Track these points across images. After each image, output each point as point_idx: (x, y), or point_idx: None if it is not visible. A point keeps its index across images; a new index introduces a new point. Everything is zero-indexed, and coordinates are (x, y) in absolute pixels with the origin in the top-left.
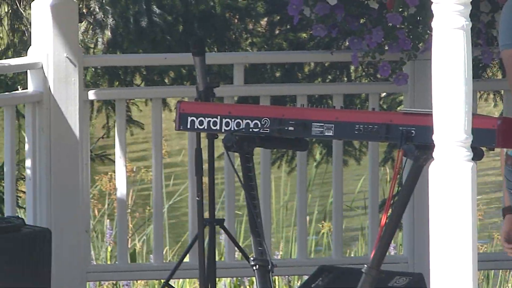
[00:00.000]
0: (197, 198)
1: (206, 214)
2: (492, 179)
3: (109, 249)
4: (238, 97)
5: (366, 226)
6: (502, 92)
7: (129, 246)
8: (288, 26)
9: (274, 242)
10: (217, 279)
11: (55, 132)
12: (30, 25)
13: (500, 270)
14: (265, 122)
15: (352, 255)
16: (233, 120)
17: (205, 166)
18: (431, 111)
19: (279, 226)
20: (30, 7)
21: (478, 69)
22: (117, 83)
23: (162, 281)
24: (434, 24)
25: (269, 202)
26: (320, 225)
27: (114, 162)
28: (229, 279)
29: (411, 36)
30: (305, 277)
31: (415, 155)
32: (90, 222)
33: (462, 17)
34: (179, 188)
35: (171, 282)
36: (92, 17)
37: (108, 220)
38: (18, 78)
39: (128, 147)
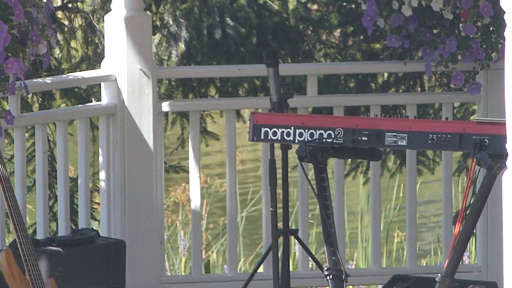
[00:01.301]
0: (271, 209)
1: (280, 225)
2: None
3: (183, 260)
4: (311, 107)
5: (439, 236)
6: None
7: (203, 257)
8: (362, 37)
9: (348, 252)
10: None
11: (129, 144)
12: (104, 37)
13: None
14: (339, 132)
15: (424, 263)
16: (306, 130)
17: (279, 176)
18: (505, 120)
19: (357, 236)
20: (103, 19)
21: None
22: (191, 95)
23: None
24: (506, 33)
25: (343, 212)
26: (395, 235)
27: (188, 173)
28: None
29: (484, 46)
30: (379, 287)
31: (489, 164)
32: (164, 233)
33: None
34: (253, 198)
35: None
36: (166, 29)
37: (182, 231)
38: (92, 91)
39: (202, 158)
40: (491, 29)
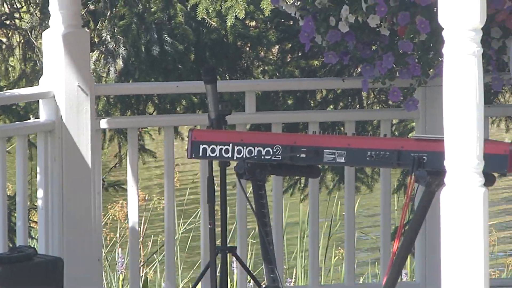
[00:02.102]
0: (209, 226)
1: (219, 242)
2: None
3: (121, 277)
4: (250, 124)
5: (378, 252)
6: None
7: (142, 274)
8: (300, 54)
9: (287, 268)
10: None
11: (67, 161)
12: (42, 54)
13: None
14: (277, 149)
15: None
16: (245, 147)
17: (218, 193)
18: (443, 137)
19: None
20: (42, 36)
21: (490, 94)
22: (129, 112)
23: None
24: (445, 50)
25: (281, 229)
26: (337, 251)
27: (126, 190)
28: None
29: (421, 62)
30: None
31: (427, 181)
32: (102, 250)
33: (474, 43)
34: (191, 215)
35: None
36: (104, 46)
37: (120, 249)
38: (30, 108)
39: (141, 175)
40: (428, 45)
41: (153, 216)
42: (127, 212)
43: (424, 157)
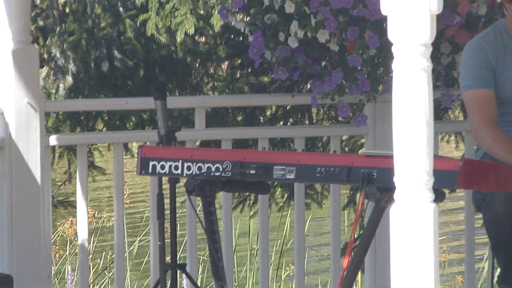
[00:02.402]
0: (159, 243)
1: (168, 259)
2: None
3: None
4: (199, 141)
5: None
6: (464, 133)
7: None
8: (249, 70)
9: (237, 285)
10: None
11: (16, 178)
12: None
13: None
14: (227, 165)
15: None
16: (194, 164)
17: (168, 210)
18: (392, 153)
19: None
20: None
21: (440, 110)
22: (79, 128)
23: None
24: (394, 65)
25: (231, 246)
26: (288, 268)
27: (76, 207)
28: None
29: (370, 78)
30: None
31: (377, 197)
32: (52, 267)
33: (424, 58)
34: (143, 231)
35: None
36: (53, 62)
37: (69, 266)
38: None
39: (90, 192)
40: (378, 61)
41: (103, 233)
42: (76, 229)
43: (374, 173)
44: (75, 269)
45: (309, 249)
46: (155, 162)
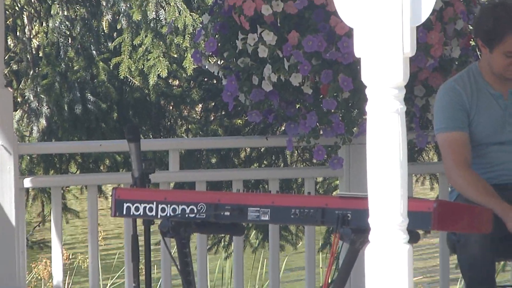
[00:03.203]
0: (133, 285)
1: None
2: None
3: None
4: (174, 182)
5: None
6: (438, 175)
7: None
8: (223, 112)
9: None
10: None
11: None
12: None
13: None
14: (201, 207)
15: None
16: (169, 205)
17: (143, 252)
18: (367, 195)
19: None
20: None
21: (414, 152)
22: (52, 171)
23: None
24: (368, 108)
25: (206, 287)
26: None
27: (50, 248)
28: None
29: (345, 121)
30: None
31: (351, 239)
32: None
33: (397, 101)
34: (117, 274)
35: None
36: (27, 105)
37: None
38: None
39: (65, 233)
40: (352, 103)
41: (78, 273)
42: (51, 270)
43: (349, 215)
44: None
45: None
46: (130, 204)
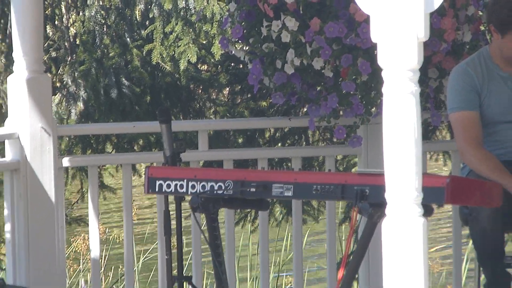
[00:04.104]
0: (166, 257)
1: (175, 272)
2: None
3: None
4: (203, 161)
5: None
6: (451, 152)
7: None
8: (249, 95)
9: None
10: None
11: (32, 198)
12: (7, 98)
13: None
14: (229, 184)
15: None
16: (198, 183)
17: (174, 226)
18: (383, 171)
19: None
20: (6, 81)
21: (428, 131)
22: (90, 150)
23: None
24: (384, 89)
25: (234, 259)
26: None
27: (88, 224)
28: None
29: (363, 102)
30: None
31: (369, 213)
32: (66, 281)
33: (412, 83)
34: (150, 247)
35: None
36: (66, 90)
37: (83, 279)
38: None
39: (101, 209)
40: (370, 85)
41: (114, 248)
42: (89, 244)
43: (367, 190)
44: (87, 281)
45: (307, 261)
46: (162, 182)
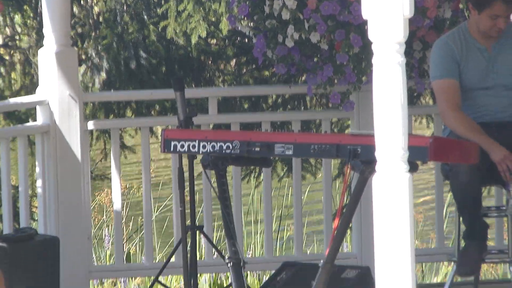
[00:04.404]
0: (180, 209)
1: (188, 222)
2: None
3: (108, 252)
4: (212, 124)
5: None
6: (433, 115)
7: (125, 249)
8: (254, 66)
9: (245, 243)
10: (198, 275)
11: (60, 157)
12: (38, 69)
13: (435, 263)
14: (236, 144)
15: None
16: (209, 143)
17: (187, 181)
18: (374, 133)
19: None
20: (38, 54)
21: (413, 97)
22: (112, 115)
23: (153, 277)
24: (374, 60)
25: (241, 210)
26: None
27: (110, 180)
28: (208, 274)
29: (355, 71)
30: (272, 272)
31: (361, 169)
32: (92, 230)
33: (398, 54)
34: (166, 200)
35: (160, 278)
36: (90, 61)
37: (106, 228)
38: (30, 113)
39: (122, 168)
40: (361, 57)
41: (133, 201)
42: (111, 198)
43: (358, 149)
44: (111, 231)
45: (306, 214)
46: (176, 142)
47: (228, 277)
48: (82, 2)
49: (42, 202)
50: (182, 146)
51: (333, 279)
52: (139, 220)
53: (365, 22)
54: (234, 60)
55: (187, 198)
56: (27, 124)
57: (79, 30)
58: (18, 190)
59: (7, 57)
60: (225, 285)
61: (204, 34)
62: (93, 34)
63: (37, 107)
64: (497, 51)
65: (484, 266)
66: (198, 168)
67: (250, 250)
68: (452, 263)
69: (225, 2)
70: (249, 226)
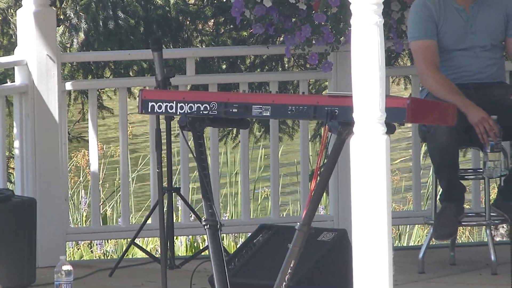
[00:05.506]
0: (157, 170)
1: (165, 183)
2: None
3: (84, 214)
4: (190, 85)
5: (298, 191)
6: (411, 77)
7: (101, 211)
8: (232, 26)
9: (223, 205)
10: (174, 237)
11: (38, 117)
12: (17, 29)
13: (410, 226)
14: (213, 105)
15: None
16: (186, 104)
17: (164, 142)
18: (351, 94)
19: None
20: (16, 14)
21: (391, 58)
22: (90, 76)
23: (129, 240)
24: (352, 21)
25: (218, 172)
26: (263, 191)
27: (88, 141)
28: (185, 237)
29: (333, 31)
30: (249, 234)
31: (339, 131)
32: (68, 192)
33: (376, 15)
34: (142, 161)
35: (137, 240)
36: (68, 21)
37: (83, 190)
38: (8, 73)
39: (100, 129)
40: (339, 17)
41: (111, 163)
42: (88, 159)
43: (336, 111)
44: (87, 192)
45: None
46: (154, 103)
47: (204, 240)
48: None
49: (19, 163)
50: (160, 107)
51: (310, 242)
52: (116, 182)
53: None
54: (212, 20)
55: (164, 160)
56: (5, 84)
57: None
58: None
59: None
60: (201, 247)
61: None
62: None
63: (15, 68)
64: (475, 11)
65: (460, 230)
66: (176, 129)
67: (226, 213)
68: (429, 226)
69: None
70: (226, 188)
